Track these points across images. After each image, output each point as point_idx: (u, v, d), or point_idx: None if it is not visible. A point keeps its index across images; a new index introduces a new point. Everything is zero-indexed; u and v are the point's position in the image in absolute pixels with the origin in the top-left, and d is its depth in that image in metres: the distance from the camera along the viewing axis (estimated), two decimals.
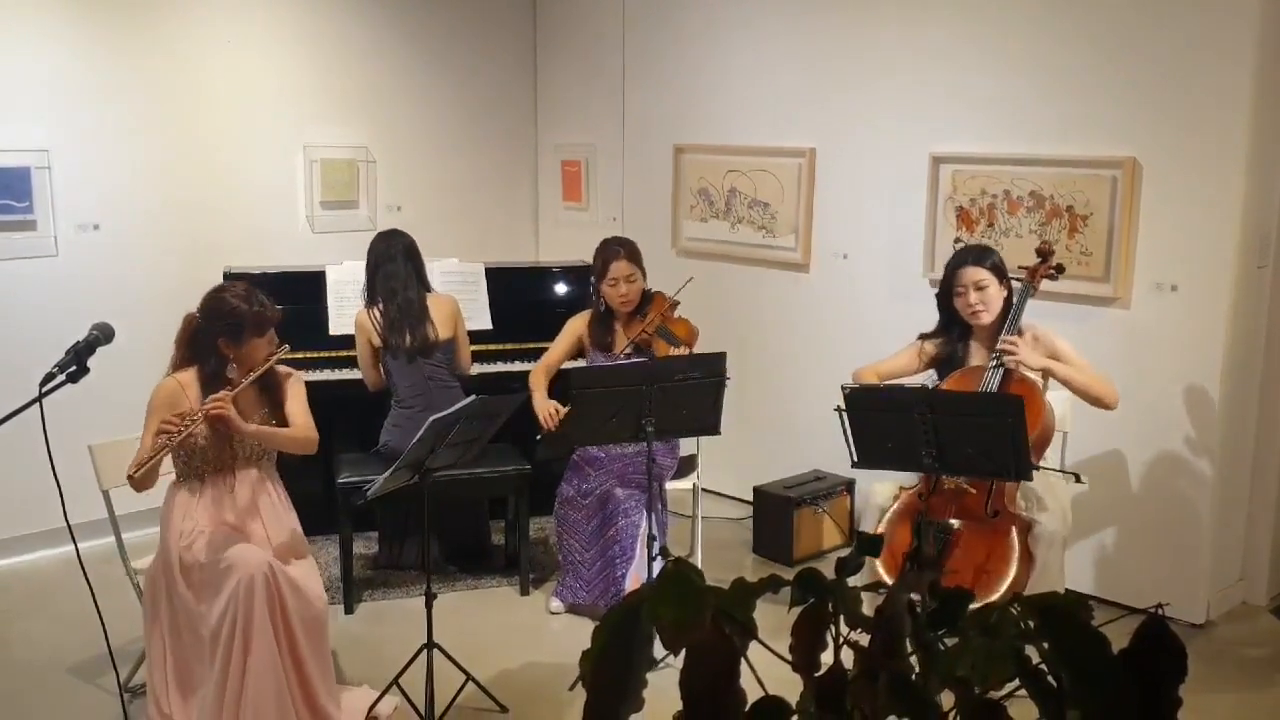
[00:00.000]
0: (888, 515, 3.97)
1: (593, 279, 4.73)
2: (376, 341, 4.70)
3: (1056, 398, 4.05)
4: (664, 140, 6.11)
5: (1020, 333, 3.93)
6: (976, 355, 4.02)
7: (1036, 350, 3.88)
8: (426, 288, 4.80)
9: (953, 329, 4.06)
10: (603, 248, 4.70)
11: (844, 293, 5.45)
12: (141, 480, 3.41)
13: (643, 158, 6.27)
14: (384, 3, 6.13)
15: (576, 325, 4.83)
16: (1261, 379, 4.58)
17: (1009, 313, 3.95)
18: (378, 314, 4.69)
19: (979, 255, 3.98)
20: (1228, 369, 4.36)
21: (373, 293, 4.74)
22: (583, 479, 4.60)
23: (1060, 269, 4.11)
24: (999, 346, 3.85)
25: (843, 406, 3.57)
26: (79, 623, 4.16)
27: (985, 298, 3.93)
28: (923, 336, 4.17)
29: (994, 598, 3.60)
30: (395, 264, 4.69)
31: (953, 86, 4.94)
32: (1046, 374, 3.86)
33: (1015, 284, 4.01)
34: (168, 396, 3.51)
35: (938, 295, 4.11)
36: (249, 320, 3.51)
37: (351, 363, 5.04)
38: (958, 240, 4.87)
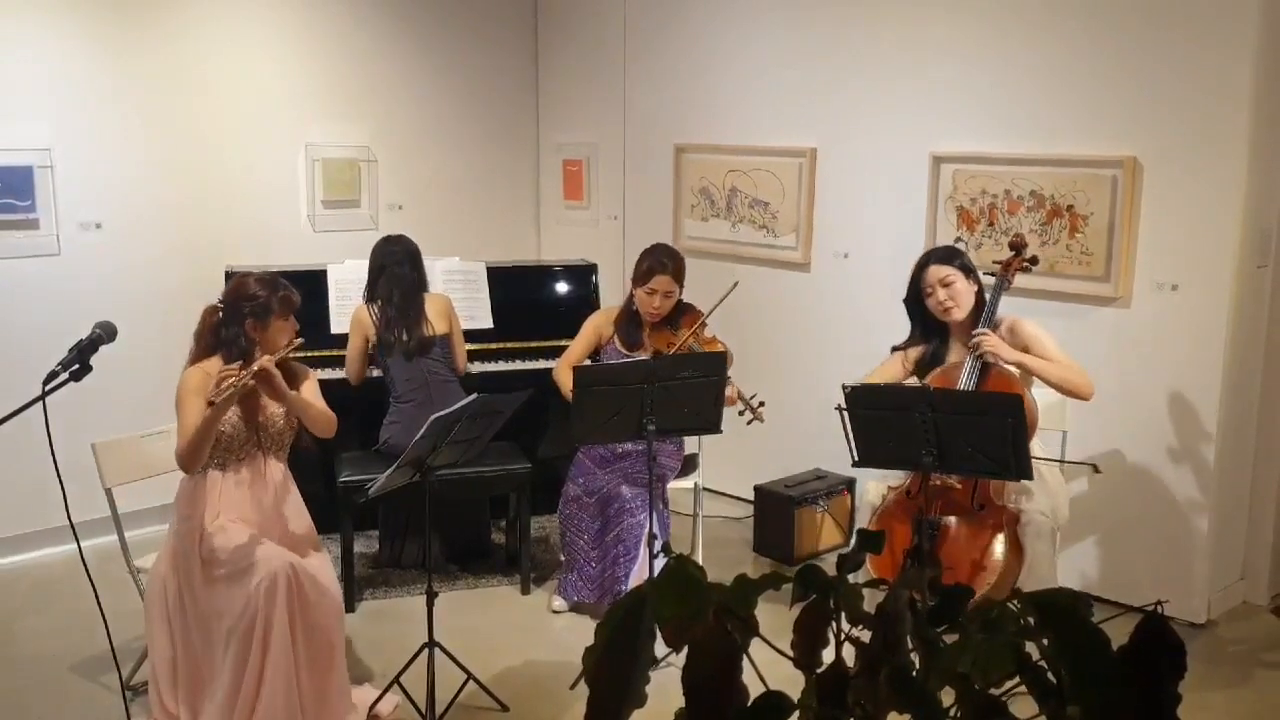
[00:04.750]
0: (878, 513, 3.98)
1: (631, 278, 4.63)
2: (373, 338, 4.73)
3: (1057, 396, 4.05)
4: (665, 139, 6.12)
5: (995, 326, 3.93)
6: (955, 353, 4.02)
7: (1012, 342, 3.88)
8: (425, 289, 4.84)
9: (929, 333, 4.06)
10: (651, 253, 4.59)
11: (844, 292, 5.45)
12: (196, 450, 3.43)
13: (644, 157, 6.27)
14: (386, 2, 6.14)
15: (597, 322, 4.80)
16: (1262, 378, 4.58)
17: (983, 309, 3.95)
18: (376, 311, 4.72)
19: (942, 255, 4.00)
20: (1228, 368, 4.37)
21: (373, 291, 4.77)
22: (589, 477, 4.60)
23: (1034, 261, 4.11)
24: (972, 340, 3.85)
25: (843, 405, 3.58)
26: (81, 621, 4.17)
27: (953, 293, 3.92)
28: (895, 349, 4.16)
29: (985, 590, 3.61)
30: (402, 268, 4.74)
31: (954, 86, 4.95)
32: (1021, 368, 3.86)
33: (989, 279, 4.01)
34: (199, 383, 3.52)
35: (906, 301, 4.09)
36: (276, 303, 3.58)
37: None
38: (958, 239, 4.87)
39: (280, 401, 3.57)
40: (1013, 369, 3.84)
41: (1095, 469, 3.93)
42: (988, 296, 3.95)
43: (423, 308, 4.75)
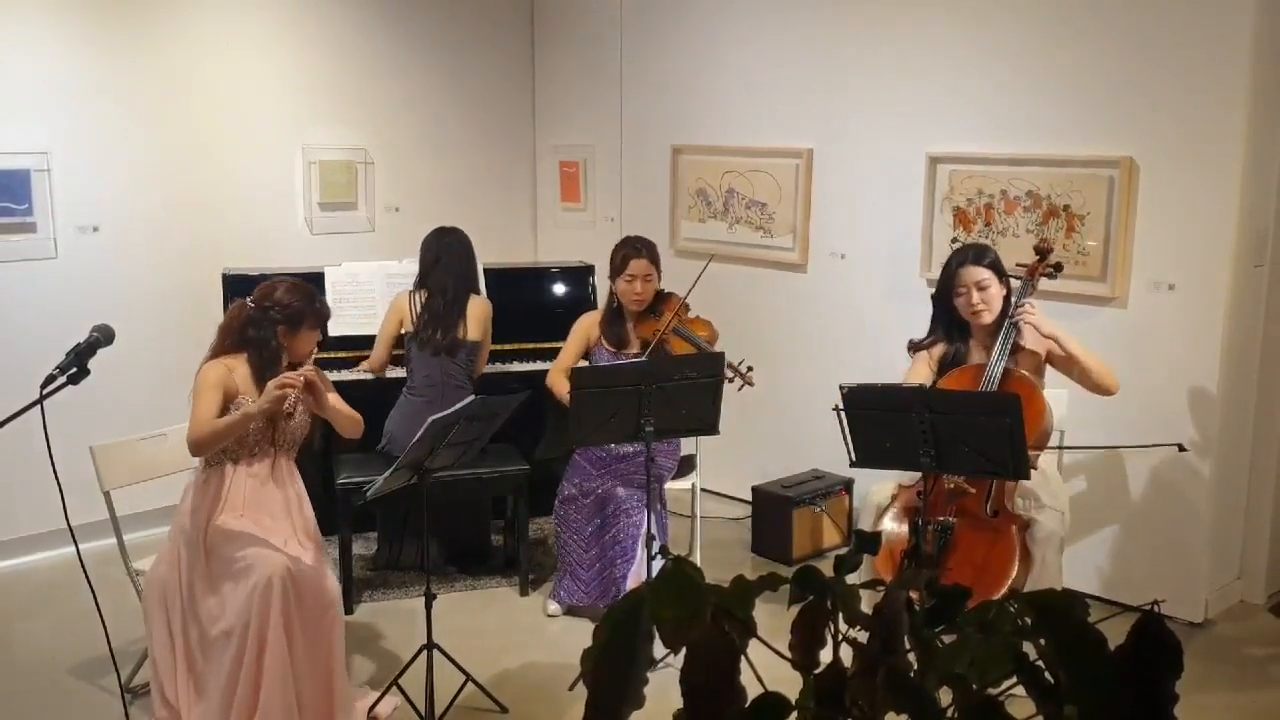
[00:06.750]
0: (886, 514, 3.98)
1: (609, 275, 4.69)
2: (408, 326, 4.74)
3: (1055, 395, 4.05)
4: (662, 141, 6.12)
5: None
6: (976, 354, 4.03)
7: (1042, 325, 3.90)
8: (476, 290, 4.86)
9: (951, 330, 4.06)
10: (623, 244, 4.68)
11: (841, 293, 5.46)
12: (214, 443, 3.50)
13: (640, 159, 6.28)
14: (383, 4, 6.14)
15: (584, 325, 4.81)
16: (1259, 378, 4.59)
17: (1008, 311, 3.96)
18: (419, 301, 4.73)
19: (978, 254, 3.99)
20: (1225, 368, 4.37)
21: (424, 280, 4.79)
22: (585, 478, 4.60)
23: (1058, 267, 4.12)
24: (1014, 312, 3.87)
25: (840, 406, 3.58)
26: (80, 624, 4.16)
27: (987, 297, 3.93)
28: (913, 345, 4.16)
29: (994, 598, 3.60)
30: (459, 261, 4.78)
31: (950, 87, 4.95)
32: (1055, 340, 3.87)
33: (1014, 282, 4.02)
34: (220, 378, 3.58)
35: (934, 296, 4.11)
36: (308, 314, 3.66)
37: (350, 363, 5.08)
38: (954, 240, 4.88)
39: (321, 411, 3.68)
40: (1036, 379, 3.86)
41: (1181, 448, 3.83)
42: (1013, 300, 3.97)
43: (465, 310, 4.76)
